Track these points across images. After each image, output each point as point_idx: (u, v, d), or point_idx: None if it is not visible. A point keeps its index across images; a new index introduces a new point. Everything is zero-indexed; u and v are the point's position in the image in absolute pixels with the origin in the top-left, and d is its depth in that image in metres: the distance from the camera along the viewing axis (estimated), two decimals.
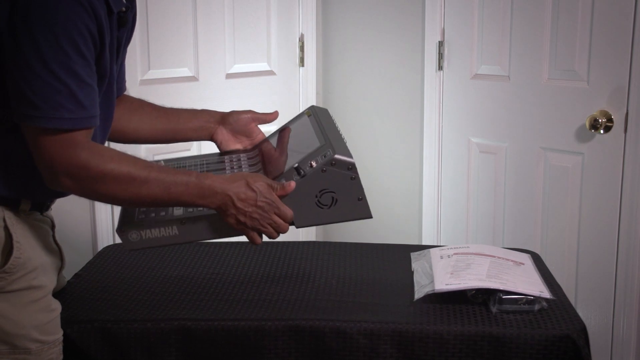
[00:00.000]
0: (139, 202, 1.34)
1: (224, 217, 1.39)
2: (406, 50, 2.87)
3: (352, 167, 1.43)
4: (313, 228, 3.13)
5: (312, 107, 1.73)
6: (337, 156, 1.42)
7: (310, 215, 1.44)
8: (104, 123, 1.39)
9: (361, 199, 1.45)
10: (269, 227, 1.41)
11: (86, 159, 1.25)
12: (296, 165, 1.43)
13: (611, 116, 2.28)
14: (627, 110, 2.25)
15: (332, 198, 1.43)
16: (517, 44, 2.52)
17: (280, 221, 1.41)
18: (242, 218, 1.38)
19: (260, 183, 1.39)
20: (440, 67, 2.77)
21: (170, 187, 1.32)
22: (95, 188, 1.28)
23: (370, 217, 1.46)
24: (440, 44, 2.75)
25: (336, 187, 1.43)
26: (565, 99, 2.41)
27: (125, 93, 1.65)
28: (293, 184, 1.41)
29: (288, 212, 1.42)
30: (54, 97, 1.19)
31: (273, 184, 1.41)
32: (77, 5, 1.19)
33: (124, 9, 1.35)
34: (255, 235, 1.43)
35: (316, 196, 1.43)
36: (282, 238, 2.65)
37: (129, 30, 1.51)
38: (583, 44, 2.33)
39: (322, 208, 1.43)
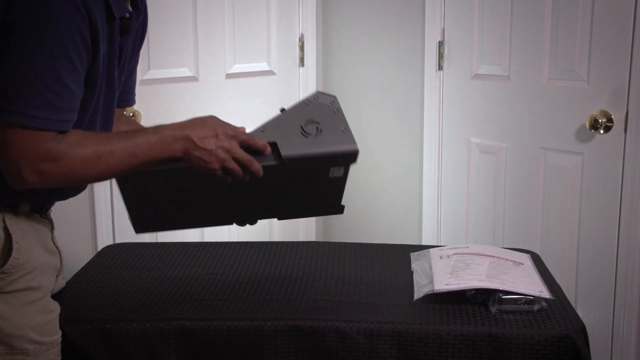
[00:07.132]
0: (108, 175, 1.31)
1: (189, 162, 1.34)
2: (406, 50, 2.87)
3: (334, 102, 1.47)
4: (313, 229, 3.13)
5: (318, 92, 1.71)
6: (319, 91, 1.49)
7: (295, 143, 1.43)
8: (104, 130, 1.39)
9: (345, 130, 1.47)
10: (232, 162, 1.35)
11: (56, 151, 1.22)
12: (281, 108, 1.48)
13: (611, 116, 2.28)
14: (627, 110, 2.25)
15: (317, 128, 1.45)
16: (517, 44, 2.52)
17: (244, 155, 1.35)
18: (207, 157, 1.33)
19: (216, 120, 1.36)
20: (440, 67, 2.77)
21: (135, 151, 1.29)
22: (65, 177, 1.25)
23: (356, 150, 1.45)
24: (440, 44, 2.75)
25: (320, 118, 1.46)
26: (565, 99, 2.41)
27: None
28: (263, 142, 1.38)
29: (259, 141, 1.37)
30: (30, 95, 1.18)
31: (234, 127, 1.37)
32: (72, 8, 1.18)
33: (127, 15, 1.35)
34: (223, 175, 1.37)
35: (301, 127, 1.45)
36: (281, 238, 2.63)
37: (138, 39, 1.51)
38: (583, 44, 2.33)
39: (307, 137, 1.44)
